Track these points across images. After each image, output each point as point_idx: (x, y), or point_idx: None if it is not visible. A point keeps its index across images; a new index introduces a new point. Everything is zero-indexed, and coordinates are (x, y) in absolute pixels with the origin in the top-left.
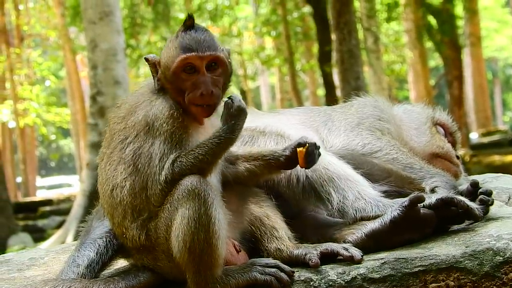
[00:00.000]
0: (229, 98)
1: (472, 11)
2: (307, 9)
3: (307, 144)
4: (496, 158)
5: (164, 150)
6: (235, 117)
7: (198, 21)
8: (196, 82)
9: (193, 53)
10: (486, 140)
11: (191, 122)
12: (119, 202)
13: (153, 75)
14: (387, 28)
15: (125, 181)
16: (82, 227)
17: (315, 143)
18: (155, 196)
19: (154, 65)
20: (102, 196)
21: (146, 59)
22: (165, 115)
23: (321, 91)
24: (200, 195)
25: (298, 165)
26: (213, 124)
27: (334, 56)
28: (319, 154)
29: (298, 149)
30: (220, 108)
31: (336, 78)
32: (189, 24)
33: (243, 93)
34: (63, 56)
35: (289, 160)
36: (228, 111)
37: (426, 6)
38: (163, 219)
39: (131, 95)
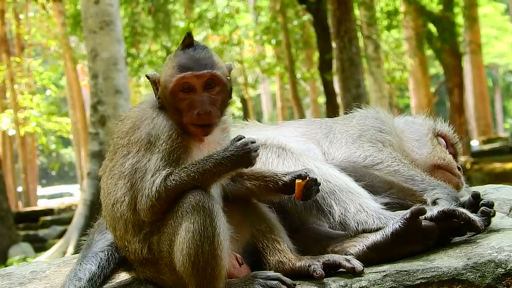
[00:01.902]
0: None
1: (472, 19)
2: (307, 17)
3: (308, 178)
4: (497, 166)
5: (159, 167)
6: (237, 149)
7: (198, 29)
8: (192, 101)
9: (189, 72)
10: (486, 147)
11: (192, 141)
12: (120, 217)
13: (154, 93)
14: (387, 36)
15: (124, 196)
16: (84, 240)
17: (316, 180)
18: (144, 212)
19: (154, 83)
20: (105, 209)
21: (147, 77)
22: (165, 134)
23: (321, 99)
24: (205, 208)
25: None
26: (218, 142)
27: (335, 64)
28: (317, 191)
29: (297, 181)
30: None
31: (336, 86)
32: (188, 42)
33: (243, 101)
34: (63, 65)
35: (287, 186)
36: (233, 141)
37: (426, 14)
38: (166, 234)
39: (134, 110)
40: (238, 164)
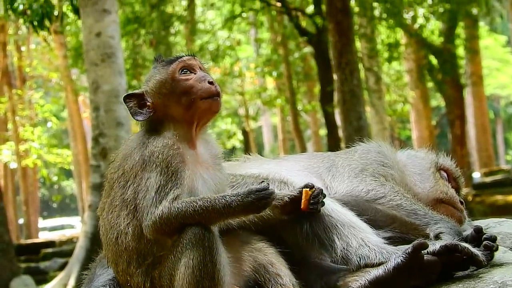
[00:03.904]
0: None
1: (473, 51)
2: (308, 49)
3: (314, 188)
4: (499, 198)
5: (161, 182)
6: (253, 193)
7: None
8: (197, 77)
9: (186, 56)
10: (488, 179)
11: (187, 149)
12: (124, 249)
13: (137, 111)
14: (388, 68)
15: (128, 227)
16: (85, 274)
17: (322, 190)
18: (148, 228)
19: (141, 96)
20: (106, 246)
21: (130, 96)
22: (159, 146)
23: (323, 131)
24: (205, 245)
25: (300, 209)
26: (211, 164)
27: (336, 96)
28: (323, 204)
29: (304, 189)
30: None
31: (338, 118)
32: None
33: (245, 133)
34: (65, 97)
35: (294, 201)
36: (253, 185)
37: (427, 46)
38: (167, 268)
39: (123, 146)
40: (249, 208)
